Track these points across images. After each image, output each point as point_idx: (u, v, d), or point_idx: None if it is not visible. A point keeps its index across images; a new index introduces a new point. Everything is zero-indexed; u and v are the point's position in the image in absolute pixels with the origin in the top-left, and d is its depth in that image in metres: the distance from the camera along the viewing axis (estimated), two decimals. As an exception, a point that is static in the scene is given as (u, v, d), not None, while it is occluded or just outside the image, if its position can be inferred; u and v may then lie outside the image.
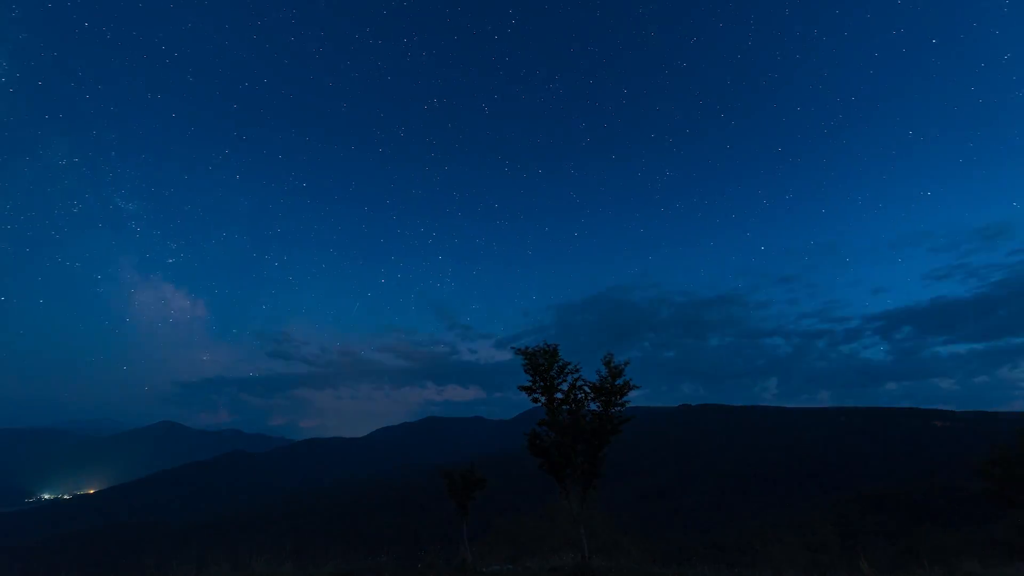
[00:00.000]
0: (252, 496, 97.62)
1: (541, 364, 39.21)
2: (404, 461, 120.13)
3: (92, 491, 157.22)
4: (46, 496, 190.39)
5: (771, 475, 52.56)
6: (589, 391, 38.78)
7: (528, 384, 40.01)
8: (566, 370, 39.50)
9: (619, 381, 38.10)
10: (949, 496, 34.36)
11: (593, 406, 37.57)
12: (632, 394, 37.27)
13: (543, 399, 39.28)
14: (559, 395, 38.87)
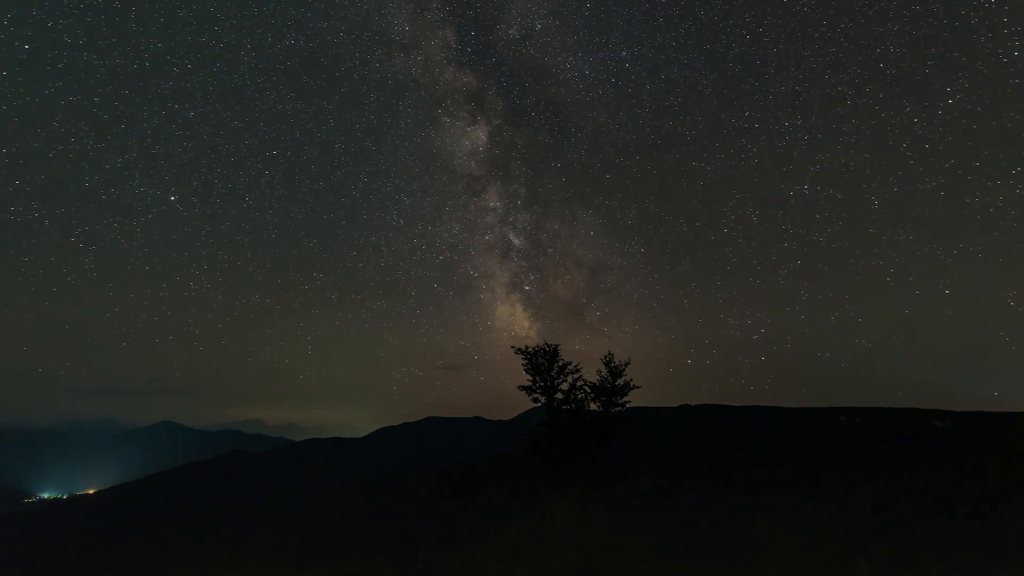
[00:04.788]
0: (252, 496, 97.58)
1: (541, 364, 39.00)
2: (404, 461, 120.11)
3: (92, 491, 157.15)
4: (46, 496, 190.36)
5: (771, 475, 52.53)
6: (590, 391, 38.57)
7: (528, 384, 39.70)
8: (566, 370, 39.30)
9: (620, 381, 37.84)
10: (949, 496, 34.33)
11: (593, 406, 37.15)
12: (631, 394, 36.95)
13: (543, 399, 39.09)
14: (559, 395, 38.70)
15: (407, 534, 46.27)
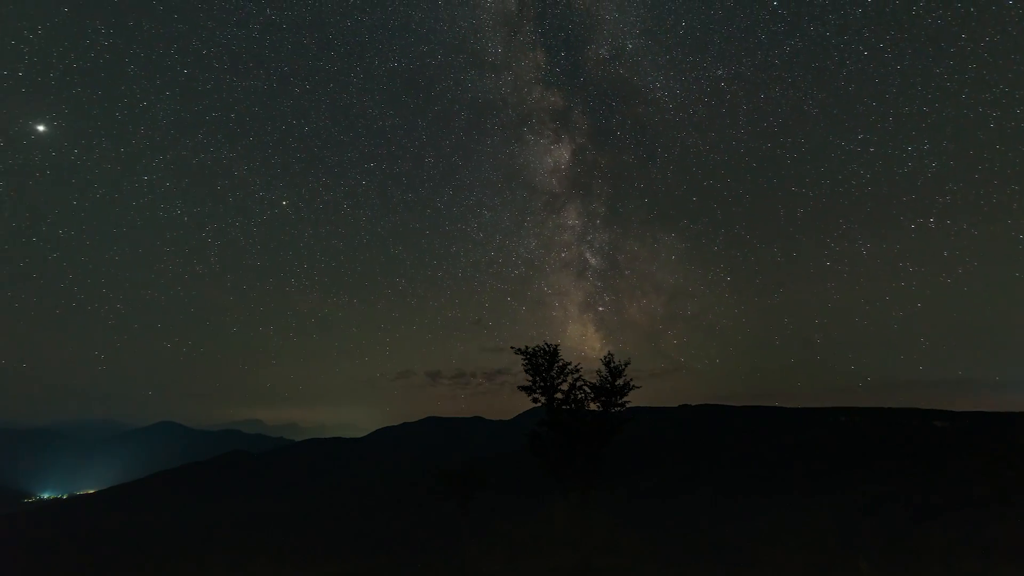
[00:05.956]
0: (252, 496, 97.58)
1: (541, 364, 39.01)
2: (404, 461, 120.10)
3: (92, 491, 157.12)
4: (46, 496, 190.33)
5: (770, 475, 52.55)
6: (589, 391, 38.58)
7: (528, 384, 39.73)
8: (566, 370, 39.35)
9: (619, 381, 37.87)
10: (949, 496, 34.34)
11: (593, 406, 37.18)
12: (631, 394, 36.98)
13: (543, 399, 39.08)
14: (559, 395, 38.70)
15: (407, 534, 46.27)
